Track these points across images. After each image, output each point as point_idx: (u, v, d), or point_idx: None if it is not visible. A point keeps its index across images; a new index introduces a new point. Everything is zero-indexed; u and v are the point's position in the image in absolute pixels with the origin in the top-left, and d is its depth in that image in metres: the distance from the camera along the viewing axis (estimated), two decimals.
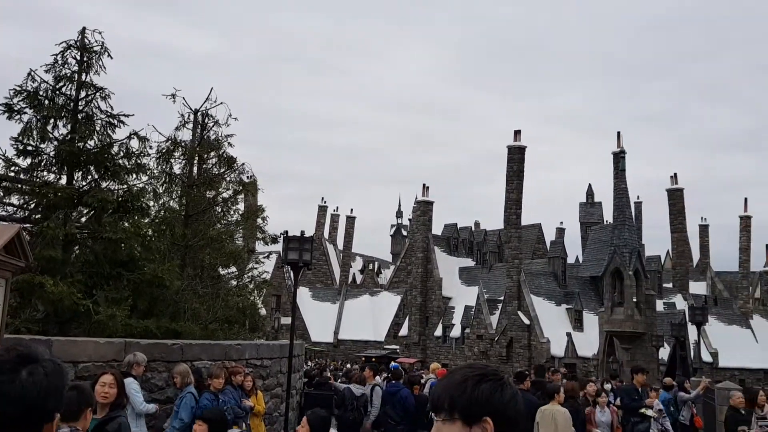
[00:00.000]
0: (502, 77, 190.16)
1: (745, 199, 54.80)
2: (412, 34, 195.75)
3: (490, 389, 1.65)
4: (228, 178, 14.47)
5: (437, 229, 55.08)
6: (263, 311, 25.39)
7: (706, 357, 39.51)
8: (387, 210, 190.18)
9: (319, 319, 54.66)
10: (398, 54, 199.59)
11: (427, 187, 52.22)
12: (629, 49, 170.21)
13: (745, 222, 53.83)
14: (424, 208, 52.18)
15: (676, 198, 50.93)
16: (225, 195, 14.49)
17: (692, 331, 29.37)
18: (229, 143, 14.09)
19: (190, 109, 13.97)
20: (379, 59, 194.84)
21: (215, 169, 14.37)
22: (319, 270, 61.74)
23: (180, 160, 13.88)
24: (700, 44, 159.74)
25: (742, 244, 53.62)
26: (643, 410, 10.76)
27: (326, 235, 66.61)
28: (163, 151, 13.08)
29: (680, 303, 44.40)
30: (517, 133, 42.76)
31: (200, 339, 10.06)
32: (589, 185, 52.26)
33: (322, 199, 66.26)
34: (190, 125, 14.04)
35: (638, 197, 53.97)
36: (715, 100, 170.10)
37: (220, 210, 14.51)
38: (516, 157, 42.50)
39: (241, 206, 16.11)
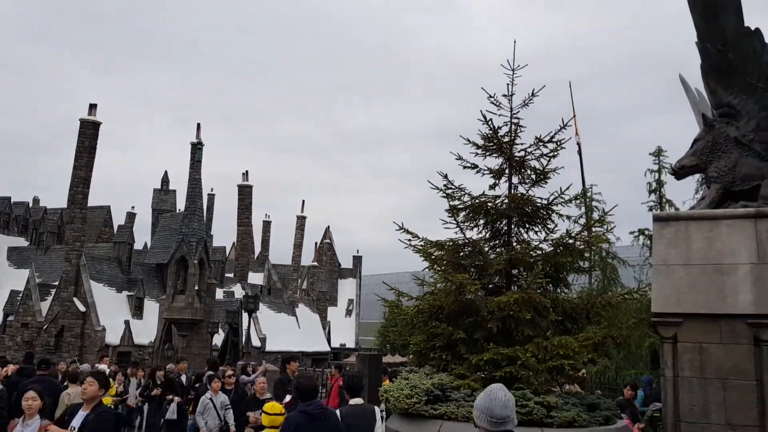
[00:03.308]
0: (86, 45, 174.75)
1: (303, 201, 61.97)
2: None
3: None
4: None
5: None
6: None
7: (255, 342, 43.02)
8: None
9: None
10: None
11: None
12: (239, 46, 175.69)
13: (301, 221, 60.78)
14: None
15: (245, 194, 54.35)
16: None
17: (246, 318, 31.66)
18: None
19: None
20: None
21: None
22: None
23: None
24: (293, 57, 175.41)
25: (296, 241, 60.32)
26: None
27: None
28: None
29: (239, 292, 47.40)
30: (93, 107, 39.75)
31: None
32: (165, 172, 51.97)
33: None
34: None
35: (212, 189, 55.96)
36: (292, 109, 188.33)
37: None
38: (89, 132, 39.42)
39: None
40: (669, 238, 7.42)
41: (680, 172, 8.56)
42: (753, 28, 7.66)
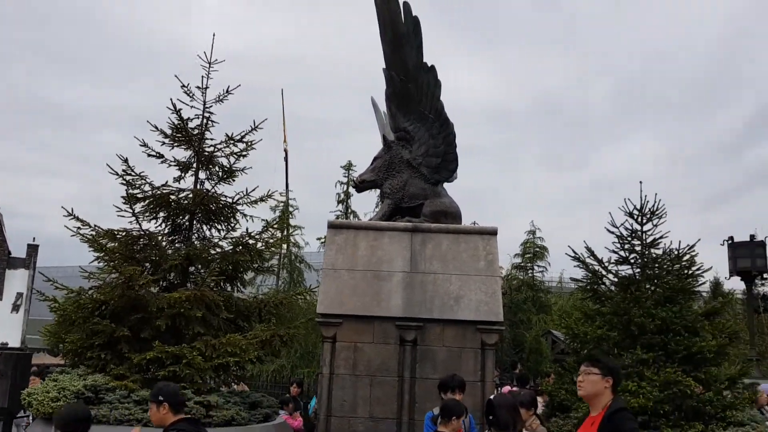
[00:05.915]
0: None
1: None
2: None
3: None
4: None
5: None
6: None
7: None
8: None
9: None
10: None
11: None
12: None
13: None
14: None
15: None
16: None
17: None
18: None
19: None
20: None
21: None
22: None
23: None
24: None
25: None
26: None
27: None
28: None
29: None
30: None
31: None
32: None
33: None
34: None
35: None
36: None
37: None
38: None
39: None
40: (339, 245, 7.92)
41: (360, 186, 9.30)
42: (429, 65, 8.62)
